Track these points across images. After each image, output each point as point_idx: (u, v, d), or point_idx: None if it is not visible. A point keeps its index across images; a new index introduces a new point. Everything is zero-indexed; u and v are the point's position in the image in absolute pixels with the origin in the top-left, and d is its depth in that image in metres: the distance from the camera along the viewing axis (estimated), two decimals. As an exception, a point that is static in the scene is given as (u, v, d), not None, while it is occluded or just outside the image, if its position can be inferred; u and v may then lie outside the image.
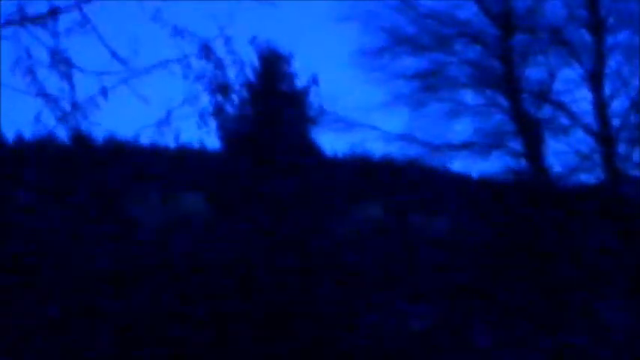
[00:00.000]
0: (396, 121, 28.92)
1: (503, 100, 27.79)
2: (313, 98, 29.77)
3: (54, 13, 9.68)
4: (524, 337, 25.85)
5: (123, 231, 29.26)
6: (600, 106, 26.55)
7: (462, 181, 29.89)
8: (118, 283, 27.40)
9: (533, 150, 27.00)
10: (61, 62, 9.83)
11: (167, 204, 30.78)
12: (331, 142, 34.86)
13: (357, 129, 27.77)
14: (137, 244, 29.06)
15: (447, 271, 28.69)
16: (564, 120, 27.00)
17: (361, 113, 27.22)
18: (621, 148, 26.51)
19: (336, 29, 36.34)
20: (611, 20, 26.72)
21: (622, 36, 26.63)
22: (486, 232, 27.82)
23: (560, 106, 27.08)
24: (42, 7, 9.73)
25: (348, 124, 27.75)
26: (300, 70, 30.69)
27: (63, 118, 9.95)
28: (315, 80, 29.24)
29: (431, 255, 30.09)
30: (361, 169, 32.93)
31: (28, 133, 31.23)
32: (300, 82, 30.78)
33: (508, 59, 27.44)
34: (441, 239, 31.21)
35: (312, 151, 30.66)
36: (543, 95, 27.24)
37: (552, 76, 27.13)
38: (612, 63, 26.72)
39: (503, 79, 27.60)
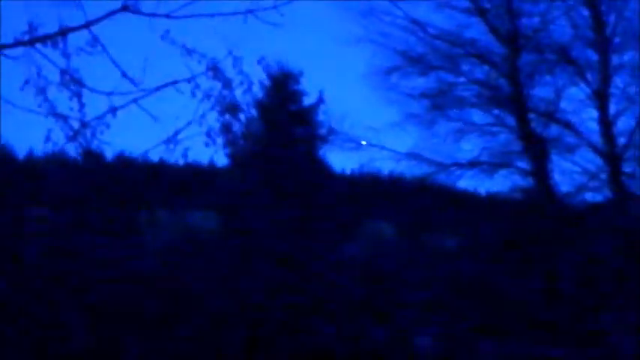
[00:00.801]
0: (405, 140, 28.98)
1: (510, 119, 27.86)
2: (322, 117, 29.91)
3: (64, 32, 9.77)
4: (531, 353, 25.80)
5: (131, 248, 29.38)
6: (606, 124, 26.55)
7: (469, 199, 29.88)
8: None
9: (540, 168, 27.00)
10: (72, 82, 9.92)
11: (176, 222, 30.86)
12: (341, 159, 34.95)
13: (366, 148, 27.80)
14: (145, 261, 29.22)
15: (455, 287, 28.69)
16: (571, 139, 27.04)
17: (370, 132, 27.31)
18: (627, 167, 26.49)
19: (347, 50, 36.58)
20: (617, 40, 26.78)
21: (628, 55, 26.69)
22: (494, 249, 27.76)
23: (567, 125, 27.10)
24: (52, 27, 9.82)
25: (357, 143, 27.79)
26: (310, 89, 30.91)
27: (73, 137, 10.03)
28: (322, 98, 29.37)
29: (439, 271, 30.09)
30: (370, 187, 32.97)
31: (39, 151, 31.45)
32: (310, 101, 30.99)
33: (515, 78, 27.48)
34: (449, 255, 31.23)
35: (321, 169, 30.74)
36: (550, 114, 27.26)
37: (559, 95, 27.17)
38: (618, 82, 26.77)
39: (510, 99, 27.64)
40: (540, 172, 26.98)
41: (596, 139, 26.66)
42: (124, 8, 9.99)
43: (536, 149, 27.11)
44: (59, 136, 10.03)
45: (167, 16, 10.16)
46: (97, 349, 26.82)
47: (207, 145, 10.48)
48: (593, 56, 26.89)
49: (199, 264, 28.61)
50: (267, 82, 30.23)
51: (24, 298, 26.86)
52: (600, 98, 26.62)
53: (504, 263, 26.44)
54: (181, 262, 28.96)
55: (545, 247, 25.69)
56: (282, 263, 28.41)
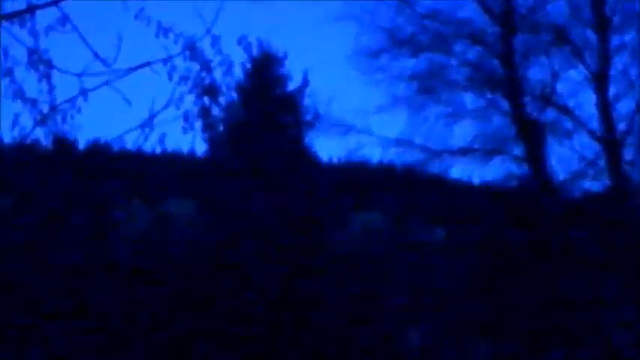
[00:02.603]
0: (395, 125, 28.94)
1: (504, 103, 27.84)
2: (307, 101, 29.86)
3: (32, 10, 9.65)
4: (528, 353, 25.83)
5: (105, 237, 29.29)
6: (605, 108, 26.52)
7: (462, 188, 29.90)
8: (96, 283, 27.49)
9: (536, 155, 26.98)
10: (40, 62, 9.80)
11: (152, 210, 30.77)
12: (327, 147, 34.91)
13: (354, 133, 27.73)
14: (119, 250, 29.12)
15: (447, 283, 28.71)
16: (568, 124, 27.03)
17: (358, 117, 27.23)
18: (627, 153, 26.48)
19: (332, 29, 36.50)
20: (616, 19, 26.74)
21: (628, 35, 26.64)
22: (487, 241, 27.79)
23: (564, 109, 27.08)
24: (20, 4, 9.69)
25: (344, 129, 27.72)
26: (294, 72, 30.83)
27: (42, 121, 9.92)
28: (306, 81, 29.32)
29: (429, 264, 30.13)
30: (358, 176, 32.95)
31: (6, 137, 31.20)
32: (294, 85, 30.92)
33: (509, 60, 27.44)
34: (440, 248, 31.26)
35: (306, 155, 30.69)
36: (546, 98, 27.23)
37: (555, 77, 27.13)
38: (618, 64, 26.72)
39: (504, 81, 27.60)
40: (536, 158, 26.96)
41: (595, 124, 26.70)
42: (96, -16, 9.91)
43: (532, 135, 27.08)
44: (27, 121, 9.92)
45: (141, -8, 10.06)
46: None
47: (184, 130, 10.39)
48: (591, 36, 26.87)
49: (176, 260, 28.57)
50: (248, 65, 30.16)
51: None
52: (599, 81, 26.58)
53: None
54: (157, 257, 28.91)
55: (542, 244, 25.68)
56: (266, 259, 28.36)
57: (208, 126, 10.73)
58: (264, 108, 30.44)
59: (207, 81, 10.50)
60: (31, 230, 28.79)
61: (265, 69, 30.85)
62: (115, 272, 28.58)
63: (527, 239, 26.19)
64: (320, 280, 28.92)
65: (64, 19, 9.83)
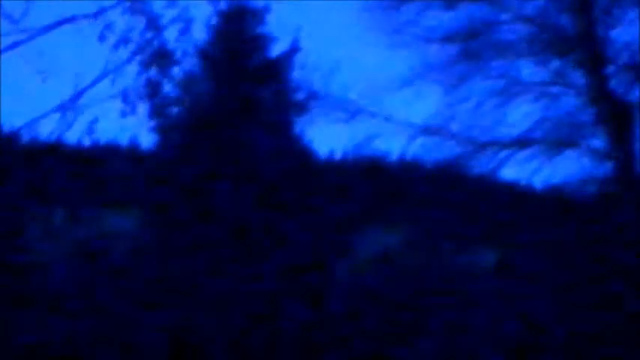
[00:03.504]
0: (423, 106, 29.06)
1: (578, 76, 28.03)
2: (298, 74, 29.99)
3: None
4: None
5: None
6: None
7: (519, 193, 30.10)
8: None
9: (623, 149, 27.20)
10: None
11: (79, 225, 30.91)
12: (326, 137, 35.01)
13: (365, 118, 27.97)
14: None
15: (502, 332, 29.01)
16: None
17: (370, 96, 27.45)
18: None
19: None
20: None
21: None
22: (553, 268, 28.03)
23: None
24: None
25: (351, 112, 27.96)
26: (279, 32, 30.95)
27: None
28: (296, 44, 29.38)
29: (473, 303, 30.28)
30: (371, 178, 33.11)
31: None
32: (279, 50, 31.06)
33: (585, 15, 27.67)
34: (488, 280, 31.44)
35: (296, 150, 30.86)
36: (636, 68, 27.46)
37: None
38: None
39: (578, 45, 27.82)
40: (623, 153, 27.19)
41: None
42: None
43: (618, 120, 27.32)
44: None
45: None
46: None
47: (123, 114, 10.47)
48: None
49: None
50: (215, 21, 30.32)
51: None
52: None
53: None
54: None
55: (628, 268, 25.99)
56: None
57: (157, 108, 10.82)
58: (237, 82, 30.59)
59: (155, 44, 10.58)
60: None
61: (239, 28, 31.01)
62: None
63: (611, 266, 26.42)
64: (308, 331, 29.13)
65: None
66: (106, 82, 10.47)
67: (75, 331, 28.90)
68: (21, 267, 30.75)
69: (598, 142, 27.44)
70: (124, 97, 10.51)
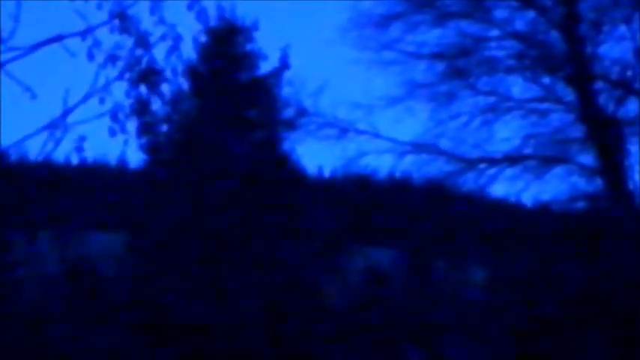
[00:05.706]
0: (412, 123, 29.00)
1: (567, 92, 27.99)
2: (287, 91, 29.98)
3: None
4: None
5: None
6: None
7: (508, 210, 30.11)
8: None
9: (612, 164, 27.15)
10: None
11: (65, 247, 30.87)
12: (315, 154, 35.05)
13: (354, 136, 27.91)
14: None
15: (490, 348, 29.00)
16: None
17: (359, 113, 27.39)
18: None
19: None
20: None
21: None
22: (543, 283, 28.03)
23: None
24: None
25: (339, 130, 27.90)
26: (268, 49, 30.96)
27: None
28: (285, 62, 29.34)
29: (463, 321, 30.28)
30: (361, 196, 33.15)
31: None
32: (268, 67, 31.09)
33: (574, 31, 27.63)
34: (478, 296, 31.45)
35: (285, 168, 30.86)
36: (626, 84, 27.42)
37: (639, 55, 27.32)
38: None
39: (567, 61, 27.79)
40: (612, 169, 27.14)
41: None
42: None
43: (606, 136, 27.27)
44: None
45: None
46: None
47: (112, 132, 10.45)
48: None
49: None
50: (204, 39, 30.31)
51: None
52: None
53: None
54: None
55: (619, 283, 25.96)
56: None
57: (146, 126, 10.80)
58: (226, 100, 30.59)
59: (144, 62, 10.57)
60: None
61: (227, 45, 31.02)
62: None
63: (602, 283, 26.40)
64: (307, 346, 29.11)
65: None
66: (94, 100, 10.41)
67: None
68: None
69: (587, 158, 27.42)
70: (113, 115, 10.44)
